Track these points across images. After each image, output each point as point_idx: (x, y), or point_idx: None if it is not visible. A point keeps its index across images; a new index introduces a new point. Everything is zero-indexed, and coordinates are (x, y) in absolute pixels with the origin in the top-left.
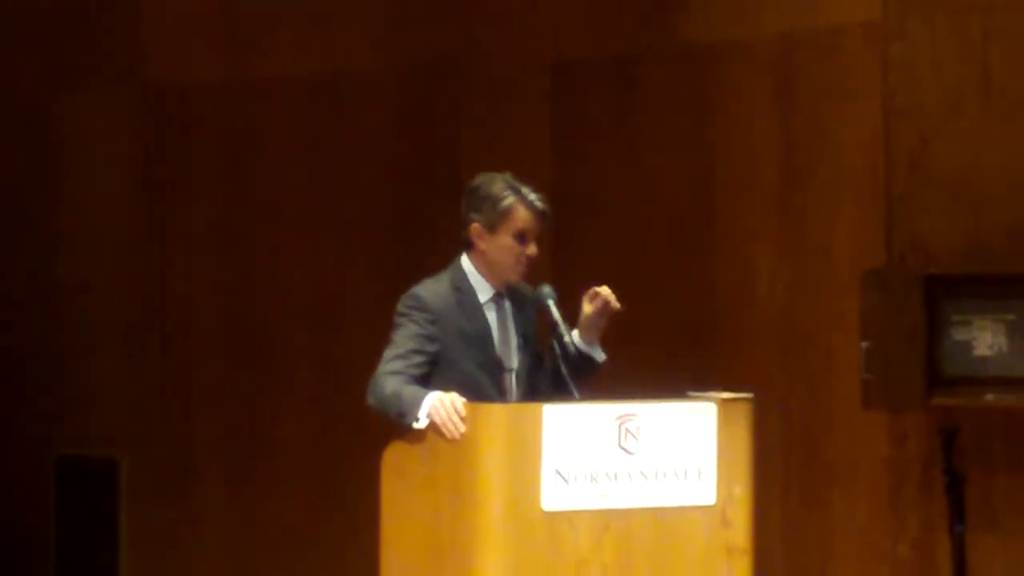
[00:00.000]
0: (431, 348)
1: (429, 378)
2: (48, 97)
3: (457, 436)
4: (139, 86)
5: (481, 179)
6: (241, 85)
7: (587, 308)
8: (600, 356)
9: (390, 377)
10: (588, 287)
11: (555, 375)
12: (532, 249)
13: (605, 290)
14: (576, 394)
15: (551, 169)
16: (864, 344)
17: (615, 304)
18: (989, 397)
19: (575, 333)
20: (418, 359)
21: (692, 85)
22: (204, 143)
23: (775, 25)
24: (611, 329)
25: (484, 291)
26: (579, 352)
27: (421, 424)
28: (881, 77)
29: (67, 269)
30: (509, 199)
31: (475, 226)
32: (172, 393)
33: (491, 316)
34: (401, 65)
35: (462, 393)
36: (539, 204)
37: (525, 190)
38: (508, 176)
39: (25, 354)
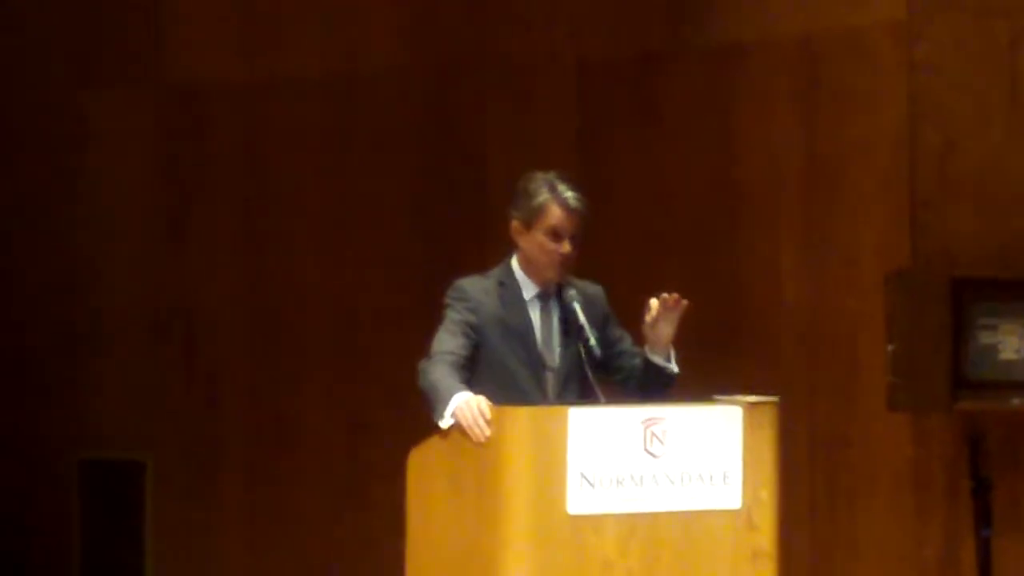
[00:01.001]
0: (473, 335)
1: (473, 368)
2: (68, 96)
3: (482, 439)
4: (159, 85)
5: (525, 177)
6: (261, 84)
7: (646, 321)
8: (672, 369)
9: (439, 360)
10: (611, 286)
11: (609, 375)
12: (566, 247)
13: (654, 301)
14: (602, 398)
15: (574, 168)
16: (889, 347)
17: (669, 306)
18: (1015, 401)
19: (646, 349)
20: (464, 341)
21: (715, 85)
22: (224, 141)
23: (799, 25)
24: (633, 329)
25: (529, 289)
26: (652, 366)
27: (445, 423)
28: (906, 79)
29: (90, 269)
30: (543, 196)
31: (514, 223)
32: (196, 393)
33: (535, 313)
34: (422, 64)
35: (503, 388)
36: (573, 202)
37: (562, 188)
38: (552, 175)
39: (48, 356)
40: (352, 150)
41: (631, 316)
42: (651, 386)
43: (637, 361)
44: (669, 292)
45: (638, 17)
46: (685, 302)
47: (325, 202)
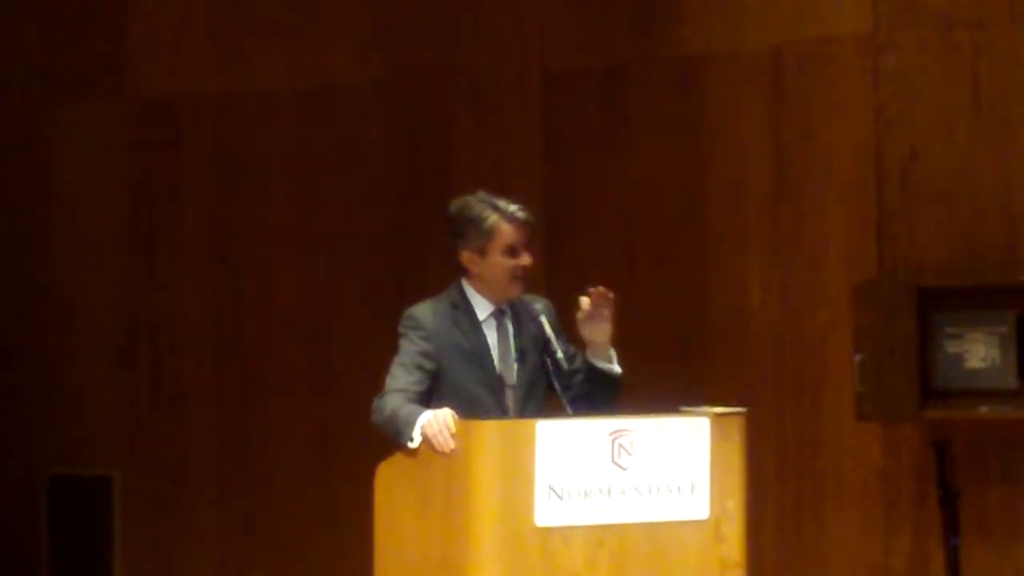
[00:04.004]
0: (429, 365)
1: (431, 395)
2: (36, 111)
3: (447, 450)
4: (127, 99)
5: (457, 205)
6: (229, 98)
7: (579, 319)
8: (615, 370)
9: (393, 396)
10: (578, 298)
11: (563, 391)
12: (526, 259)
13: (584, 298)
14: (569, 410)
15: (542, 181)
16: (857, 356)
17: (598, 300)
18: (982, 409)
19: (588, 353)
20: (419, 375)
21: (682, 97)
22: (193, 156)
23: (766, 36)
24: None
25: (483, 308)
26: (596, 371)
27: (415, 443)
28: (872, 89)
29: (57, 285)
30: (491, 218)
31: (465, 254)
32: (164, 409)
33: (490, 333)
34: (390, 78)
35: (464, 410)
36: (521, 215)
37: (503, 204)
38: (482, 194)
39: (15, 371)
40: (321, 164)
41: None
42: (596, 394)
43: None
44: (634, 301)
45: (604, 29)
46: (612, 295)
47: (294, 216)
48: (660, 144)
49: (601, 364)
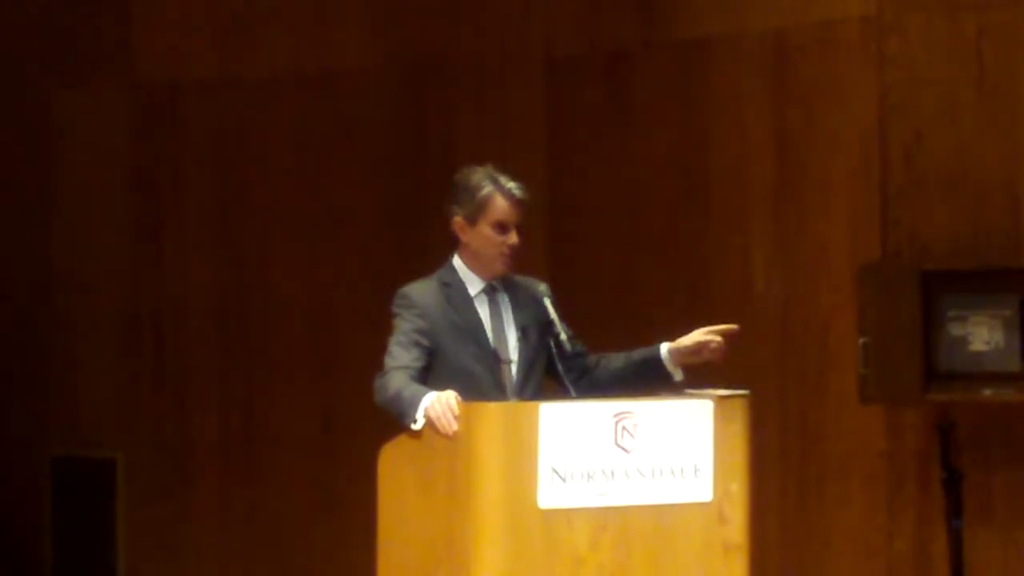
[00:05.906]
0: (426, 342)
1: (428, 372)
2: (39, 95)
3: (450, 433)
4: (131, 84)
5: (462, 172)
6: (233, 82)
7: (696, 339)
8: (678, 376)
9: (395, 374)
10: (584, 282)
11: (566, 373)
12: (513, 238)
13: (719, 338)
14: (573, 392)
15: (545, 165)
16: (861, 340)
17: (720, 351)
18: (986, 392)
19: (664, 347)
20: (416, 352)
21: (686, 80)
22: (196, 140)
23: (770, 19)
24: (606, 324)
25: (474, 284)
26: (657, 365)
27: (419, 425)
28: (876, 72)
29: (61, 268)
30: (487, 189)
31: (457, 219)
32: (168, 392)
33: (483, 309)
34: (393, 62)
35: (459, 386)
36: (517, 192)
37: (503, 179)
38: (489, 168)
39: (19, 353)
40: (324, 149)
41: (605, 308)
42: (627, 380)
43: (591, 360)
44: (637, 283)
45: (608, 13)
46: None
47: (297, 201)
48: (663, 128)
49: (669, 367)
